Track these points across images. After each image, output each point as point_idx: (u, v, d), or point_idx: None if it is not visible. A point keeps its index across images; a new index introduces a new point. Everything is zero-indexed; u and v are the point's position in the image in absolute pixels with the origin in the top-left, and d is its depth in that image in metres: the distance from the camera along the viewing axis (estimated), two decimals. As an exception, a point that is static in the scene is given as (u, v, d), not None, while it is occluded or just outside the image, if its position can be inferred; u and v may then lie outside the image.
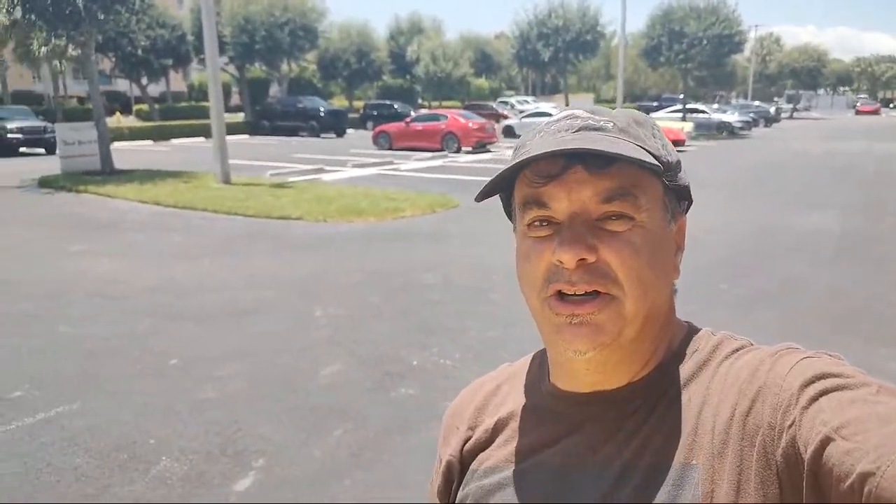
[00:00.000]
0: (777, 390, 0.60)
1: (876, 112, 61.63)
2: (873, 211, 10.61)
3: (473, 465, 0.77)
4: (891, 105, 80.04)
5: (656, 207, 0.67)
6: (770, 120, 41.87)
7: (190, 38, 32.59)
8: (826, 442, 0.53)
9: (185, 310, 5.81)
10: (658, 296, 0.68)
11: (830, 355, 0.63)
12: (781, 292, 6.25)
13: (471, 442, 0.79)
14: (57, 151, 16.04)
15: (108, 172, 15.21)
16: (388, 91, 45.07)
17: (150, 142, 26.89)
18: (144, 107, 35.53)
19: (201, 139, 26.16)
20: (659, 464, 0.63)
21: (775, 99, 65.90)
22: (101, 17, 14.57)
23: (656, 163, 0.65)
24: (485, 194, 0.71)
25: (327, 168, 16.80)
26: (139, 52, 30.68)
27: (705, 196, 11.58)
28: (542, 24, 39.76)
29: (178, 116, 33.42)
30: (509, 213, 0.75)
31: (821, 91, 79.84)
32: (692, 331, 0.73)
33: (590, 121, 0.68)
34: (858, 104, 67.05)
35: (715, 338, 0.71)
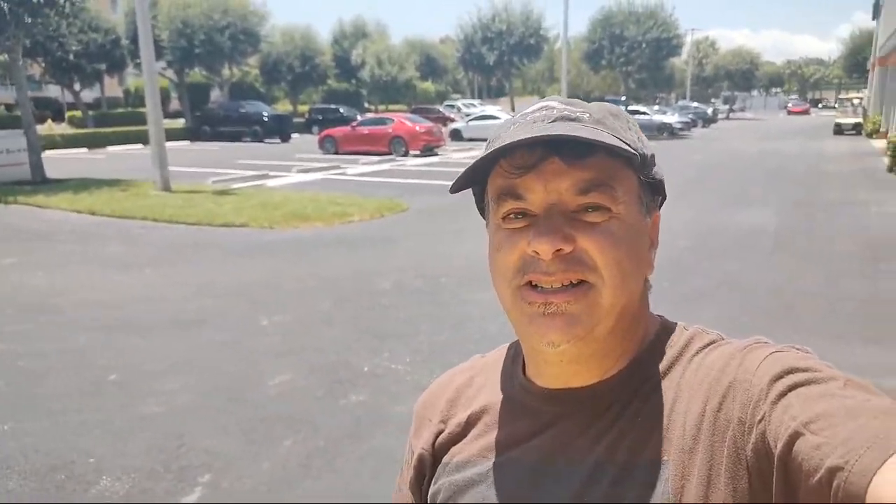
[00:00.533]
0: (747, 385, 0.60)
1: (806, 112, 64.28)
2: (806, 209, 11.08)
3: (445, 459, 0.76)
4: (819, 105, 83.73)
5: (632, 200, 0.67)
6: (708, 120, 43.26)
7: (125, 42, 31.61)
8: (795, 437, 0.53)
9: (125, 322, 5.60)
10: (635, 288, 0.68)
11: (798, 349, 0.63)
12: (722, 289, 6.46)
13: (443, 435, 0.78)
14: (-17, 161, 15.30)
15: (39, 182, 14.61)
16: (334, 95, 44.66)
17: (84, 149, 25.91)
18: (78, 113, 34.25)
19: (139, 146, 25.38)
20: (631, 460, 0.63)
21: (712, 100, 68.13)
22: (28, 20, 13.98)
23: (634, 151, 0.64)
24: (459, 186, 0.69)
25: (272, 174, 16.52)
26: (71, 56, 29.56)
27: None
28: (486, 28, 40.19)
29: (114, 123, 32.31)
30: (482, 209, 0.73)
31: (754, 92, 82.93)
32: (664, 325, 0.73)
33: (565, 112, 0.66)
34: (790, 105, 69.82)
35: (687, 332, 0.71)
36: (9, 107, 36.98)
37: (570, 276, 0.63)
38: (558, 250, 0.63)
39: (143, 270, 7.41)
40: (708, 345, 0.68)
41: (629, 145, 0.65)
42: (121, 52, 32.27)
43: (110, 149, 26.50)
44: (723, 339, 0.69)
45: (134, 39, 14.26)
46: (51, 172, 15.36)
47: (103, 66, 32.27)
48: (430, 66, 48.07)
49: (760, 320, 5.47)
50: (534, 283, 0.64)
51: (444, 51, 49.89)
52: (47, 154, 18.41)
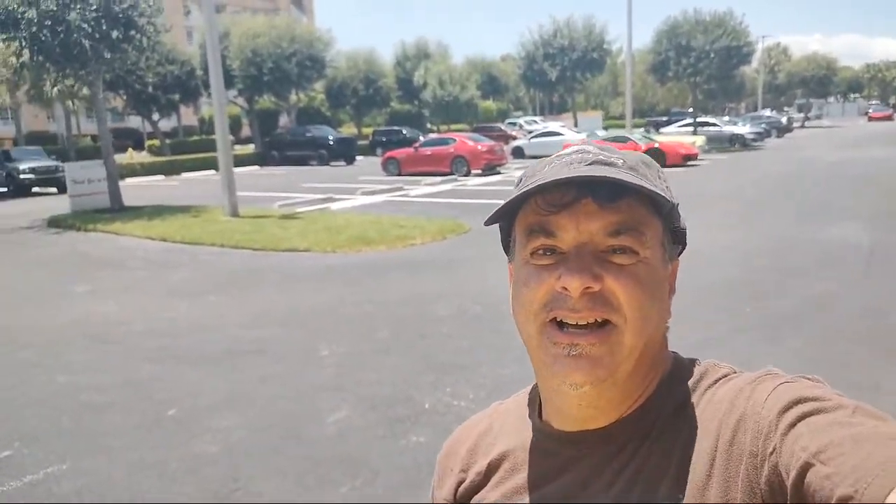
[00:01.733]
0: (757, 418, 0.60)
1: (889, 118, 60.73)
2: (899, 220, 10.24)
3: None
4: (904, 110, 79.10)
5: (657, 246, 0.68)
6: (782, 130, 41.44)
7: (199, 72, 32.91)
8: (806, 468, 0.53)
9: (186, 352, 5.59)
10: (655, 332, 0.69)
11: (809, 378, 0.63)
12: (811, 313, 5.92)
13: (465, 484, 0.79)
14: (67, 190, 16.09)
15: (117, 209, 15.19)
16: (397, 117, 45.19)
17: (161, 176, 27.03)
18: (156, 142, 35.85)
19: (212, 172, 26.20)
20: (647, 499, 0.63)
21: (785, 108, 65.36)
22: (108, 56, 14.63)
23: (667, 196, 0.66)
24: (494, 220, 0.72)
25: (336, 197, 16.68)
26: (149, 88, 30.98)
27: (719, 211, 11.27)
28: (548, 44, 39.72)
29: (189, 150, 33.61)
30: (507, 244, 0.75)
31: (831, 99, 79.10)
32: (678, 362, 0.73)
33: (601, 156, 0.68)
34: (871, 110, 66.16)
35: (699, 368, 0.71)
36: (94, 138, 39.10)
37: (596, 315, 0.64)
38: (587, 288, 0.63)
39: (207, 298, 7.46)
40: (720, 379, 0.68)
41: (659, 193, 0.66)
42: (195, 82, 33.59)
43: (185, 175, 27.53)
44: (735, 371, 0.70)
45: (207, 70, 14.68)
46: (129, 199, 15.96)
47: (177, 97, 33.62)
48: (491, 84, 48.02)
49: (859, 349, 4.96)
50: (559, 321, 0.65)
51: (504, 69, 49.77)
52: (128, 182, 19.24)
